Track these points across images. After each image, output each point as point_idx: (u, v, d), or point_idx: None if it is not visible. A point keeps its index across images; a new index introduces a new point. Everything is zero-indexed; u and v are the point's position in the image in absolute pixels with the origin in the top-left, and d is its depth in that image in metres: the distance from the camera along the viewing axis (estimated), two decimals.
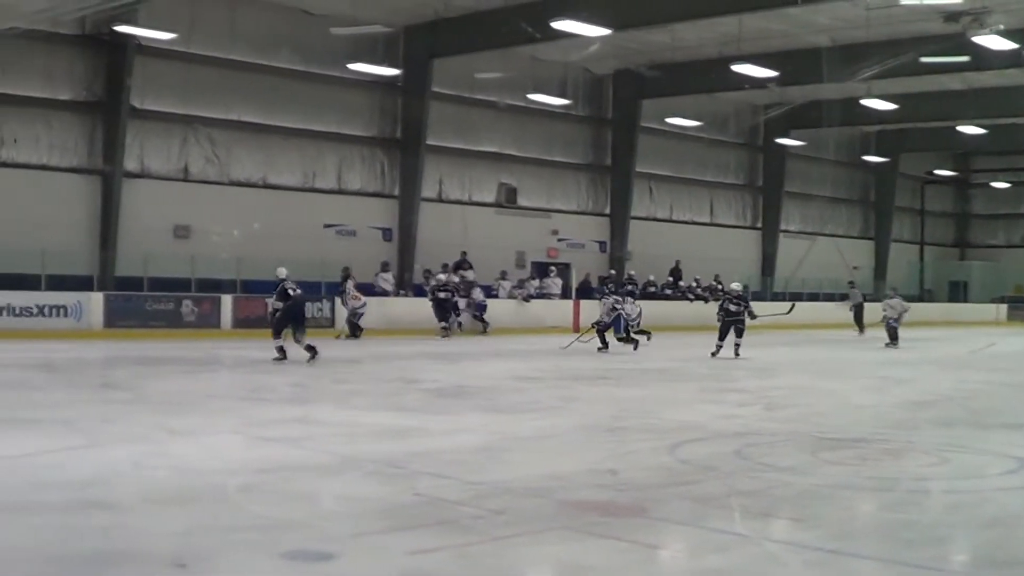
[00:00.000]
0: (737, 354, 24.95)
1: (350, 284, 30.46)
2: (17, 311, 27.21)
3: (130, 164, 31.24)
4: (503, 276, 37.37)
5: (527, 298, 36.48)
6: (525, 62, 37.66)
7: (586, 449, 11.60)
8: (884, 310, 32.57)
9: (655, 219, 45.67)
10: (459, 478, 9.60)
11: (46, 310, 27.70)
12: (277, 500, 8.70)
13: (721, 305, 26.27)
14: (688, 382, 20.10)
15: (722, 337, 25.50)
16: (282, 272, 22.36)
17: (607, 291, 30.04)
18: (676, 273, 43.07)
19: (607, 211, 43.37)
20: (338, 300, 31.08)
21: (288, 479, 9.55)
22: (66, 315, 27.99)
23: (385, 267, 34.79)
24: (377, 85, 35.88)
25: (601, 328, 27.55)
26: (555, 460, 10.83)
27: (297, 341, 21.50)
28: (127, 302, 29.22)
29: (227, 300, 30.16)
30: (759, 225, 50.46)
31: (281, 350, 21.49)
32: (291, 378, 18.89)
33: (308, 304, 27.86)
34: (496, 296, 35.98)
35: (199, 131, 32.73)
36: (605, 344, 27.20)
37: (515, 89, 38.66)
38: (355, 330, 30.05)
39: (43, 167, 30.17)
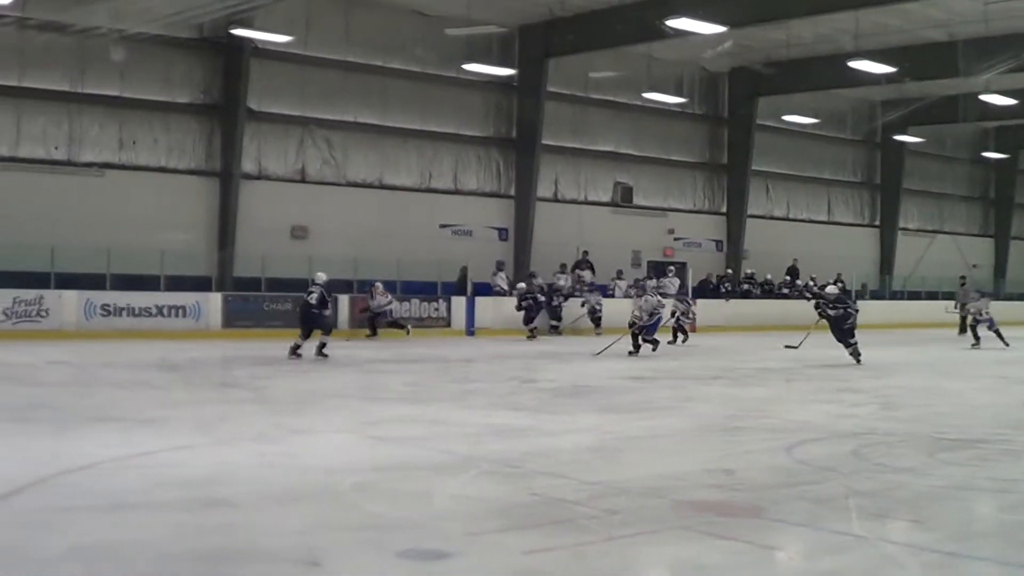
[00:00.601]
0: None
1: (378, 283, 30.16)
2: (137, 311, 27.65)
3: (248, 166, 31.70)
4: (619, 275, 37.24)
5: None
6: (640, 60, 37.43)
7: (701, 449, 11.48)
8: (971, 310, 31.65)
9: (772, 217, 45.26)
10: (575, 478, 9.53)
11: (165, 310, 28.11)
12: (393, 499, 8.70)
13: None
14: (804, 382, 19.82)
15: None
16: (321, 278, 23.11)
17: (643, 288, 28.44)
18: (793, 272, 42.60)
19: (723, 210, 43.10)
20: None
21: (404, 478, 9.56)
22: (185, 315, 28.39)
23: (500, 267, 34.81)
24: (492, 85, 35.97)
25: (636, 330, 25.46)
26: (670, 460, 10.75)
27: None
28: (245, 302, 29.56)
29: (343, 300, 30.36)
30: (877, 223, 49.76)
31: (296, 348, 22.13)
32: (407, 377, 18.97)
33: (424, 304, 28.12)
34: (612, 296, 35.81)
35: (315, 133, 33.07)
36: (637, 348, 25.15)
37: (630, 88, 38.54)
38: (375, 328, 29.93)
39: (162, 169, 30.73)
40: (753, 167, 42.73)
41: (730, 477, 9.76)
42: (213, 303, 28.92)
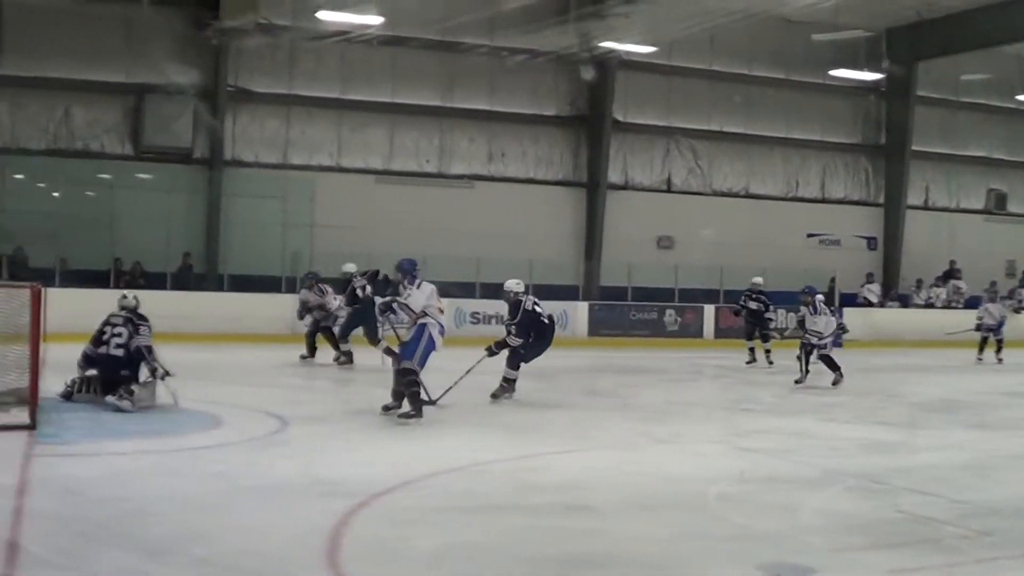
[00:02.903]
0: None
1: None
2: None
3: (614, 176, 32.13)
4: (992, 286, 35.73)
5: (1018, 309, 34.75)
6: (1012, 61, 35.86)
7: None
8: (981, 316, 26.98)
9: None
10: (943, 496, 9.28)
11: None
12: (757, 511, 8.68)
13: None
14: None
15: None
16: (351, 267, 21.08)
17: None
18: None
19: None
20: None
21: (769, 490, 9.52)
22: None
23: (870, 278, 34.05)
24: (859, 90, 35.20)
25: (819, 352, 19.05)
26: None
27: (374, 344, 19.44)
28: (611, 312, 29.88)
29: (709, 310, 30.31)
30: None
31: (348, 354, 19.97)
32: (773, 389, 18.78)
33: (792, 314, 27.54)
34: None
35: (681, 142, 33.21)
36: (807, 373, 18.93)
37: (1002, 90, 36.93)
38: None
39: (530, 180, 31.56)
40: None
41: None
42: (580, 312, 29.35)
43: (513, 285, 16.40)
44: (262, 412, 12.97)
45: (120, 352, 13.15)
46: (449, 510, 8.44)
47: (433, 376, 14.02)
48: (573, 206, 31.91)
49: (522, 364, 16.06)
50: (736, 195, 34.06)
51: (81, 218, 25.93)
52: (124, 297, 13.98)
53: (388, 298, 14.85)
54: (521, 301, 16.00)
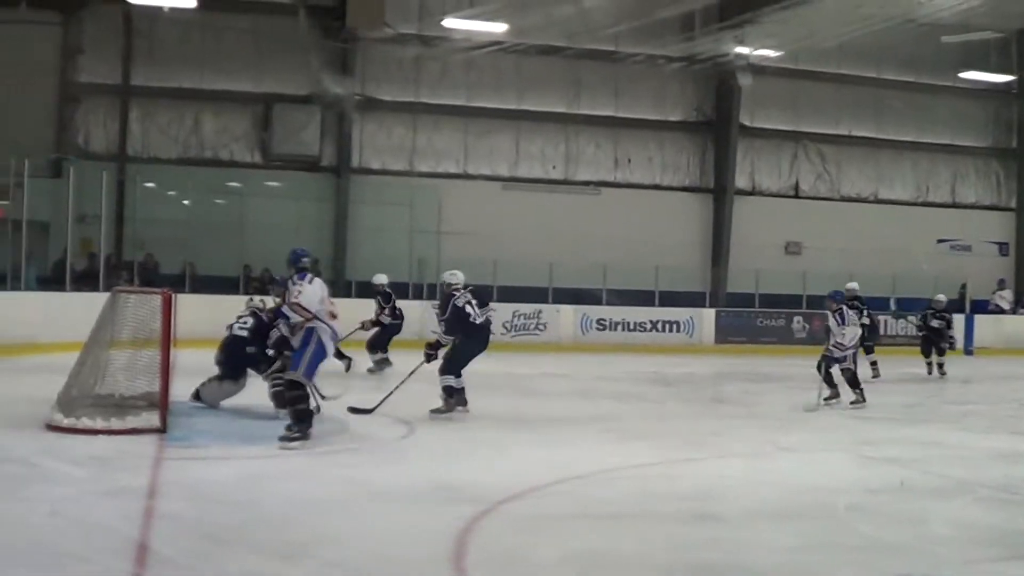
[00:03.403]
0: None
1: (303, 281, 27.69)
2: (632, 326, 28.33)
3: (741, 182, 31.99)
4: None
5: None
6: None
7: None
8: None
9: None
10: None
11: (659, 325, 28.65)
12: (886, 521, 8.56)
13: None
14: None
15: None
16: (382, 279, 20.12)
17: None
18: None
19: None
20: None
21: (898, 500, 9.40)
22: (679, 330, 28.82)
23: (1001, 284, 33.42)
24: (990, 93, 34.55)
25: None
26: None
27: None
28: (737, 318, 29.70)
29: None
30: None
31: (386, 361, 19.34)
32: (902, 398, 18.52)
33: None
34: None
35: (808, 147, 32.94)
36: (834, 389, 16.46)
37: None
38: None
39: (656, 186, 31.57)
40: None
41: None
42: (706, 318, 29.23)
43: (447, 276, 14.58)
44: (390, 417, 13.09)
45: (244, 332, 13.42)
46: (575, 517, 8.46)
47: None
48: (700, 212, 31.82)
49: (460, 370, 14.05)
50: (865, 200, 33.68)
51: (211, 225, 26.45)
52: (251, 300, 14.34)
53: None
54: (453, 296, 14.20)
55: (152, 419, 11.56)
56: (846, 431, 13.89)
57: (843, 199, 33.41)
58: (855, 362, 16.71)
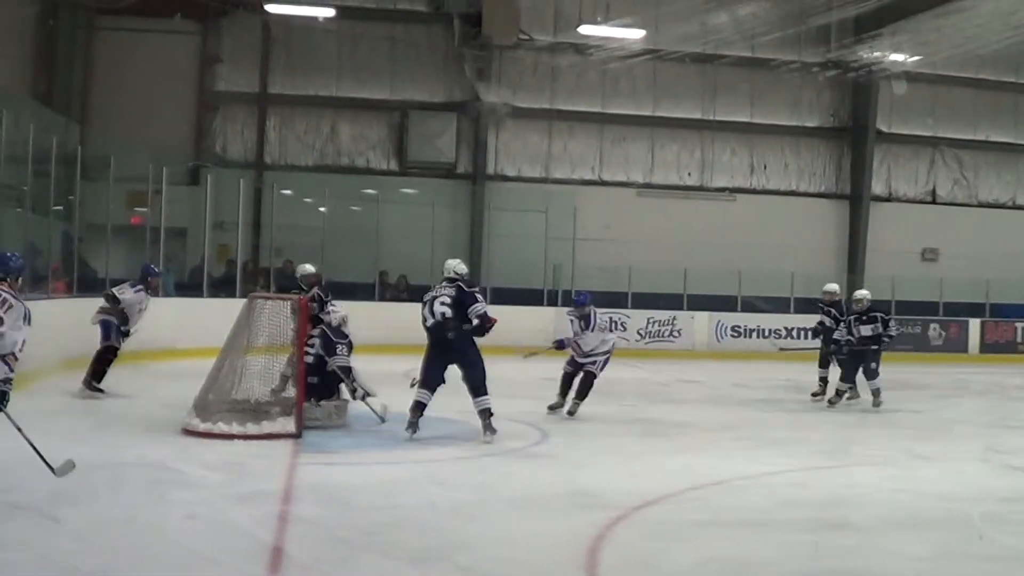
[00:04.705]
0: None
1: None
2: (767, 333, 28.21)
3: (877, 188, 31.67)
4: None
5: None
6: None
7: None
8: None
9: None
10: None
11: (795, 332, 28.46)
12: (1022, 531, 8.56)
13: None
14: None
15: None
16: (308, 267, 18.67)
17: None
18: None
19: None
20: None
21: None
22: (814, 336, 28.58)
23: None
24: None
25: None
26: None
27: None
28: None
29: (975, 324, 29.59)
30: None
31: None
32: None
33: None
34: None
35: (945, 153, 32.49)
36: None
37: None
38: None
39: (791, 192, 31.36)
40: None
41: None
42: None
43: (458, 267, 12.92)
44: (524, 423, 13.29)
45: (310, 359, 13.07)
46: (709, 524, 8.51)
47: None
48: (835, 218, 31.58)
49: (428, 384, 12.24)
50: (1003, 206, 33.10)
51: (347, 232, 26.68)
52: (328, 314, 13.76)
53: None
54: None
55: (288, 424, 11.78)
56: (984, 440, 13.75)
57: (980, 205, 32.86)
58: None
